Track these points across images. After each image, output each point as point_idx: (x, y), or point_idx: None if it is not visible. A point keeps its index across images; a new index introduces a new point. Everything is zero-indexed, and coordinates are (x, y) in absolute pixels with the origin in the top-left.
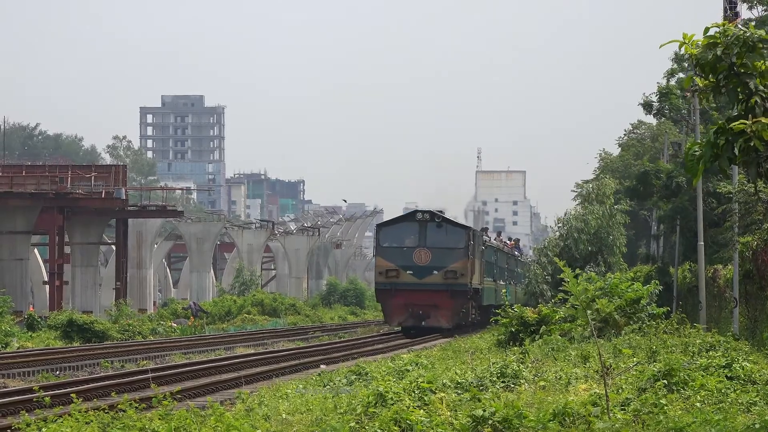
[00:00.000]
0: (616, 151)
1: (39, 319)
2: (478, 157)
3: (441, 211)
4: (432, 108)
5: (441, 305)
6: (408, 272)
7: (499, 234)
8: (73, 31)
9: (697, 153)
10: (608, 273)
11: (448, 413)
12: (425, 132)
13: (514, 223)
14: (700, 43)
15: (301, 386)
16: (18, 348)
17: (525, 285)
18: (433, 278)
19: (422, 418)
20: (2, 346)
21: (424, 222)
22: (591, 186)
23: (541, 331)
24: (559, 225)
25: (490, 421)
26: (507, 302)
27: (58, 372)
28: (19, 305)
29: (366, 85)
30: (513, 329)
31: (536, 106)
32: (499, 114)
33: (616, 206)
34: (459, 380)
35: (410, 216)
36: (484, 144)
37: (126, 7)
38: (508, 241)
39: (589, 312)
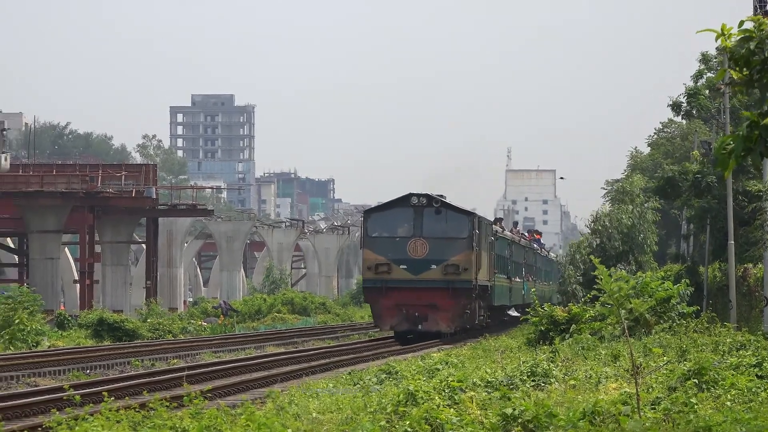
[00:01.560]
0: (646, 150)
1: (69, 318)
2: (507, 156)
3: (442, 196)
4: (464, 105)
5: (440, 306)
6: (401, 267)
7: (515, 225)
8: (103, 31)
9: (729, 147)
10: (639, 272)
11: (479, 412)
12: (457, 130)
13: (544, 222)
14: (736, 36)
15: (331, 385)
16: (49, 347)
17: (558, 284)
18: (430, 274)
19: (452, 417)
20: (33, 345)
21: (420, 207)
22: (622, 184)
23: (571, 330)
24: (592, 223)
25: (520, 420)
26: (536, 301)
27: (88, 371)
28: (49, 304)
29: (394, 82)
30: (543, 328)
31: (566, 105)
32: (529, 112)
33: (646, 204)
34: (489, 379)
35: (403, 200)
36: (514, 143)
37: (157, 6)
38: (526, 233)
39: (622, 311)
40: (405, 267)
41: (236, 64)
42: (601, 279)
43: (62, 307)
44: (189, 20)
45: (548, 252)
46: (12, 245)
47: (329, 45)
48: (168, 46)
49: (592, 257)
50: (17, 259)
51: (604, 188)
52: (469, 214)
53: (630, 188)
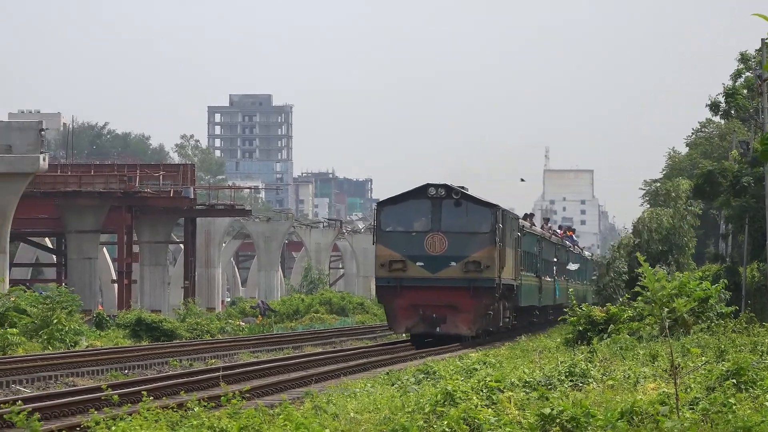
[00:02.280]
0: (684, 149)
1: (108, 318)
2: (545, 155)
3: (463, 188)
4: (501, 104)
5: (460, 306)
6: (417, 264)
7: (546, 221)
8: (143, 31)
9: None
10: (677, 272)
11: (516, 412)
12: (494, 128)
13: (582, 222)
14: None
15: (369, 385)
16: (87, 347)
17: (594, 283)
18: (449, 271)
19: (490, 417)
20: (71, 345)
21: (439, 199)
22: (667, 186)
23: (609, 330)
24: (634, 224)
25: (558, 420)
26: (574, 301)
27: (126, 371)
28: (87, 304)
29: (430, 82)
30: (581, 328)
31: (603, 104)
32: (566, 111)
33: (689, 208)
34: (527, 379)
35: (420, 191)
36: (552, 142)
37: (196, 7)
38: (558, 230)
39: (664, 310)
40: (422, 264)
41: (274, 64)
42: (645, 277)
43: (100, 307)
44: (228, 20)
45: (582, 250)
46: (50, 245)
47: (365, 42)
48: (207, 46)
49: (637, 254)
50: (55, 259)
51: (642, 188)
52: (492, 207)
53: (674, 190)
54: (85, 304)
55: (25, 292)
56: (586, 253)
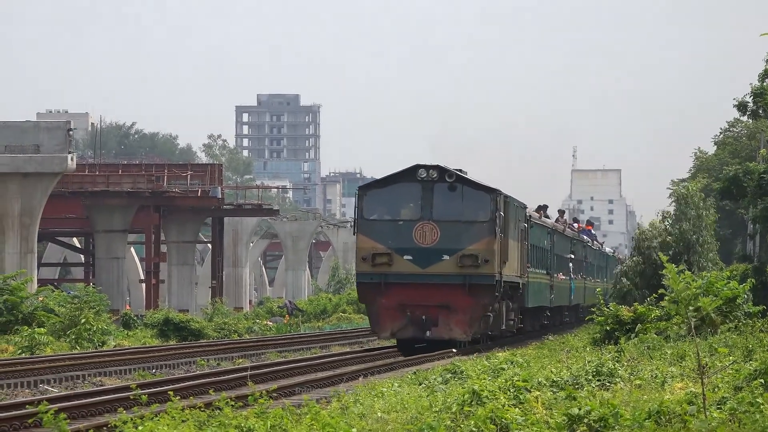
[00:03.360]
0: (711, 149)
1: (135, 318)
2: (573, 155)
3: (460, 171)
4: (526, 103)
5: (454, 306)
6: (405, 258)
7: (562, 214)
8: (169, 31)
9: None
10: (702, 272)
11: (544, 412)
12: (519, 127)
13: (610, 222)
14: None
15: (396, 384)
16: (115, 346)
17: (614, 283)
18: (442, 266)
19: (518, 417)
20: (99, 345)
21: (430, 182)
22: (682, 190)
23: (636, 329)
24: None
25: (585, 420)
26: (602, 300)
27: (154, 370)
28: (115, 303)
29: (458, 82)
30: (608, 327)
31: (631, 104)
32: (595, 111)
33: (706, 206)
34: (554, 379)
35: (408, 173)
36: (579, 142)
37: (221, 7)
38: (574, 224)
39: (690, 309)
40: (410, 258)
41: (302, 63)
42: (669, 277)
43: (128, 307)
44: (255, 20)
45: (602, 245)
46: (78, 245)
47: (398, 43)
48: (234, 45)
49: (660, 254)
50: (83, 259)
51: (669, 188)
52: (492, 192)
53: (688, 193)
54: (112, 303)
55: (53, 291)
56: (608, 250)
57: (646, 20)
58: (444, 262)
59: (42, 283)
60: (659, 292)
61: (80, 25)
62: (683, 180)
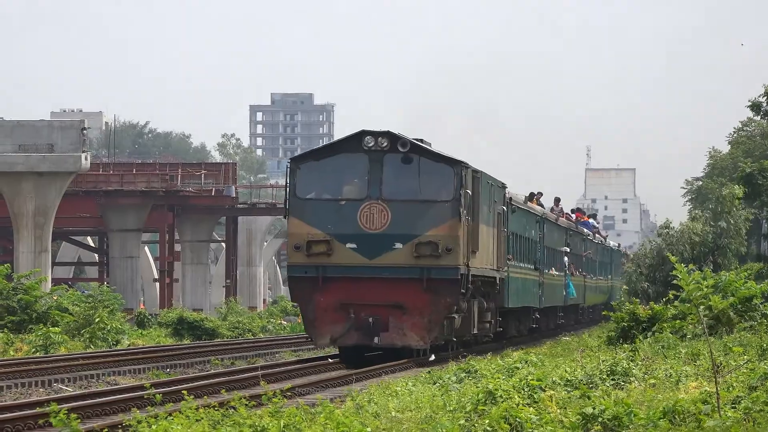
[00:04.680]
0: (725, 148)
1: (149, 317)
2: (587, 154)
3: (420, 140)
4: (543, 102)
5: (409, 306)
6: (348, 246)
7: (557, 202)
8: (183, 29)
9: None
10: (723, 271)
11: (558, 411)
12: (539, 125)
13: (624, 221)
14: None
15: (410, 384)
16: (129, 345)
17: (626, 281)
18: (393, 256)
19: (532, 416)
20: (113, 344)
21: (379, 153)
22: (719, 192)
23: (653, 328)
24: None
25: (600, 419)
26: (622, 297)
27: (168, 369)
28: (129, 303)
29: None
30: (624, 325)
31: (645, 103)
32: (609, 111)
33: (740, 212)
34: (569, 378)
35: (353, 142)
36: (593, 141)
37: (235, 6)
38: (571, 214)
39: (701, 308)
40: (354, 246)
41: (316, 62)
42: (680, 278)
43: (142, 306)
44: (268, 18)
45: (605, 238)
46: (93, 244)
47: (412, 41)
48: (248, 45)
49: (669, 255)
50: (98, 258)
51: (684, 188)
52: (456, 164)
53: (723, 198)
54: (127, 302)
55: (68, 290)
56: (612, 244)
57: (662, 19)
58: (396, 252)
59: (56, 282)
60: (672, 293)
61: (95, 25)
62: (697, 179)
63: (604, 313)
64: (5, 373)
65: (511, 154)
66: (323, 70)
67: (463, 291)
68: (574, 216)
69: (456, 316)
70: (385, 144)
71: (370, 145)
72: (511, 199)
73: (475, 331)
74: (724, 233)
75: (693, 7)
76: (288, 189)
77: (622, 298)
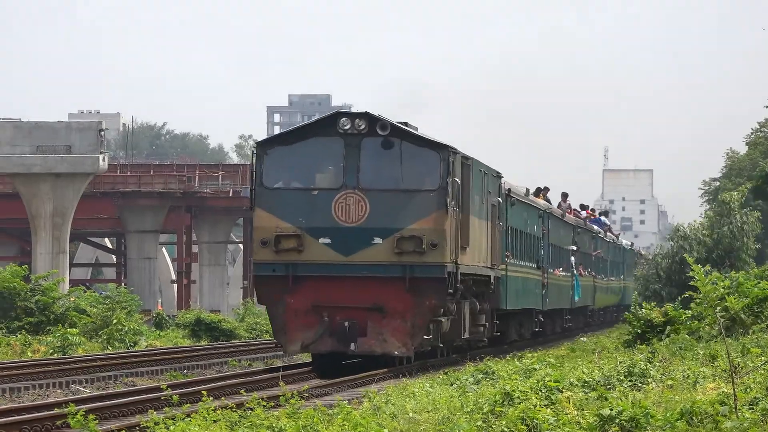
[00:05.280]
0: (743, 149)
1: (167, 318)
2: (605, 155)
3: (404, 123)
4: (562, 103)
5: (390, 309)
6: (321, 241)
7: (565, 197)
8: (200, 32)
9: None
10: (732, 272)
11: (575, 412)
12: (557, 125)
13: (642, 222)
14: None
15: (428, 385)
16: (146, 347)
17: (641, 283)
18: (373, 253)
19: (549, 417)
20: (131, 345)
21: (356, 136)
22: (733, 196)
23: (667, 330)
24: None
25: (617, 420)
26: (636, 301)
27: (185, 370)
28: (147, 304)
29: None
30: (639, 330)
31: (663, 103)
32: (627, 111)
33: (748, 213)
34: (586, 379)
35: (327, 125)
36: (611, 142)
37: (253, 8)
38: (580, 210)
39: (717, 310)
40: (328, 241)
41: (333, 63)
42: (696, 279)
43: (160, 307)
44: (287, 20)
45: (618, 236)
46: (110, 245)
47: (427, 40)
48: (266, 46)
49: (686, 256)
50: (115, 259)
51: (701, 188)
52: (443, 149)
53: (729, 200)
54: (144, 304)
55: (85, 292)
56: (624, 242)
57: (679, 19)
58: (375, 248)
59: (74, 283)
60: (687, 293)
61: (112, 26)
62: (715, 179)
63: (626, 315)
64: (23, 375)
65: (529, 154)
66: (341, 71)
67: (451, 291)
68: (583, 213)
69: (443, 320)
70: (363, 126)
71: (346, 127)
72: (509, 190)
73: (467, 336)
74: (735, 236)
75: (715, 7)
76: (253, 177)
77: (635, 301)
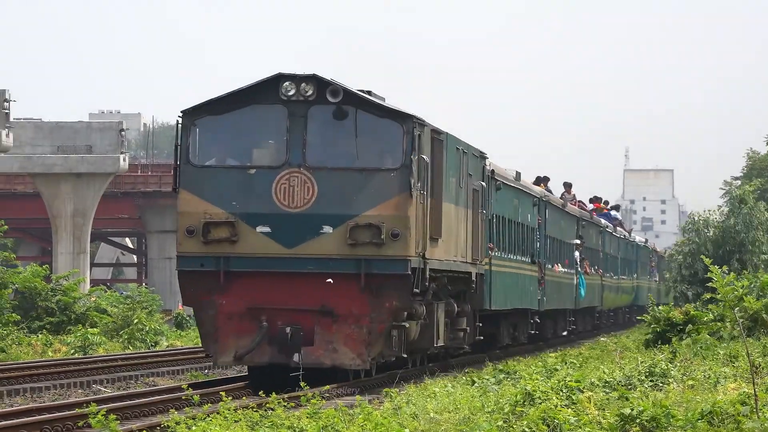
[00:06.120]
0: (764, 148)
1: (188, 318)
2: (625, 155)
3: (368, 92)
4: (580, 104)
5: (342, 312)
6: (259, 230)
7: (569, 188)
8: (220, 33)
9: None
10: (744, 271)
11: (596, 412)
12: (573, 127)
13: (662, 222)
14: None
15: (449, 385)
16: (167, 346)
17: (665, 281)
18: (321, 244)
19: (570, 417)
20: (152, 345)
21: (303, 104)
22: (744, 188)
23: (687, 329)
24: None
25: (638, 420)
26: (653, 300)
27: (206, 370)
28: (168, 304)
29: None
30: (659, 330)
31: (683, 103)
32: (648, 112)
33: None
34: (607, 379)
35: (267, 90)
36: (632, 141)
37: (270, 9)
38: (586, 203)
39: (736, 310)
40: (267, 230)
41: (344, 64)
42: (715, 280)
43: (180, 307)
44: (302, 23)
45: (630, 233)
46: (131, 245)
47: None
48: (282, 48)
49: (703, 257)
50: (136, 259)
51: (722, 188)
52: (407, 120)
53: (742, 192)
54: (165, 303)
55: (106, 291)
56: (637, 239)
57: (701, 20)
58: (324, 238)
59: (94, 283)
60: (707, 296)
61: (132, 26)
62: (736, 178)
63: (642, 317)
64: (44, 374)
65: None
66: (352, 68)
67: (417, 291)
68: (590, 206)
69: (408, 325)
70: (311, 92)
71: (290, 93)
72: (493, 172)
73: (441, 343)
74: (747, 227)
75: (733, 8)
76: (178, 150)
77: (652, 301)
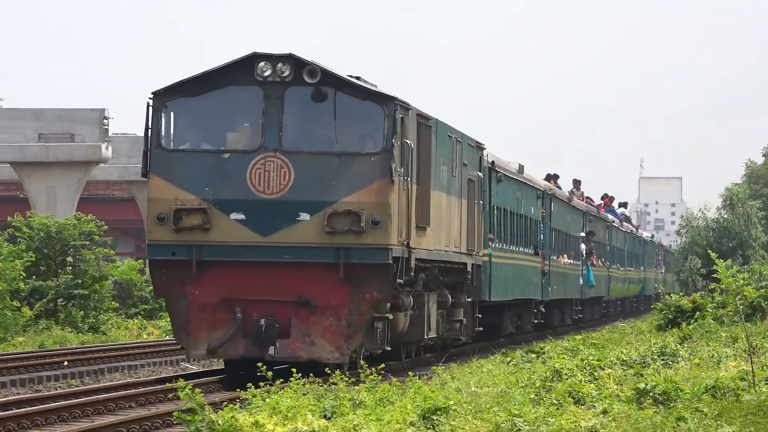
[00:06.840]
0: (760, 159)
1: None
2: (640, 165)
3: (357, 78)
4: (591, 115)
5: (320, 303)
6: (233, 217)
7: (578, 185)
8: (220, 32)
9: None
10: (753, 265)
11: (615, 387)
12: (585, 132)
13: (673, 223)
14: None
15: (490, 365)
16: None
17: (676, 273)
18: (298, 232)
19: (592, 391)
20: None
21: (279, 85)
22: (737, 189)
23: (695, 316)
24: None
25: (651, 394)
26: (663, 289)
27: None
28: None
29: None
30: (670, 316)
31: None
32: (662, 119)
33: (750, 204)
34: (624, 358)
35: (241, 70)
36: (646, 151)
37: (283, 9)
38: (594, 201)
39: (737, 298)
40: (241, 218)
41: (370, 55)
42: (720, 272)
43: None
44: (312, 21)
45: (637, 228)
46: None
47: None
48: (297, 43)
49: (710, 252)
50: None
51: (722, 195)
52: (389, 102)
53: (735, 195)
54: None
55: None
56: (645, 234)
57: (701, 29)
58: (301, 226)
59: None
60: (711, 286)
61: (144, 24)
62: (737, 184)
63: (655, 305)
64: (139, 354)
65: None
66: (352, 68)
67: (401, 281)
68: (602, 201)
69: (392, 316)
70: (287, 73)
71: (266, 73)
72: (494, 164)
73: (433, 334)
74: (743, 223)
75: (736, 15)
76: (149, 136)
77: (663, 291)
